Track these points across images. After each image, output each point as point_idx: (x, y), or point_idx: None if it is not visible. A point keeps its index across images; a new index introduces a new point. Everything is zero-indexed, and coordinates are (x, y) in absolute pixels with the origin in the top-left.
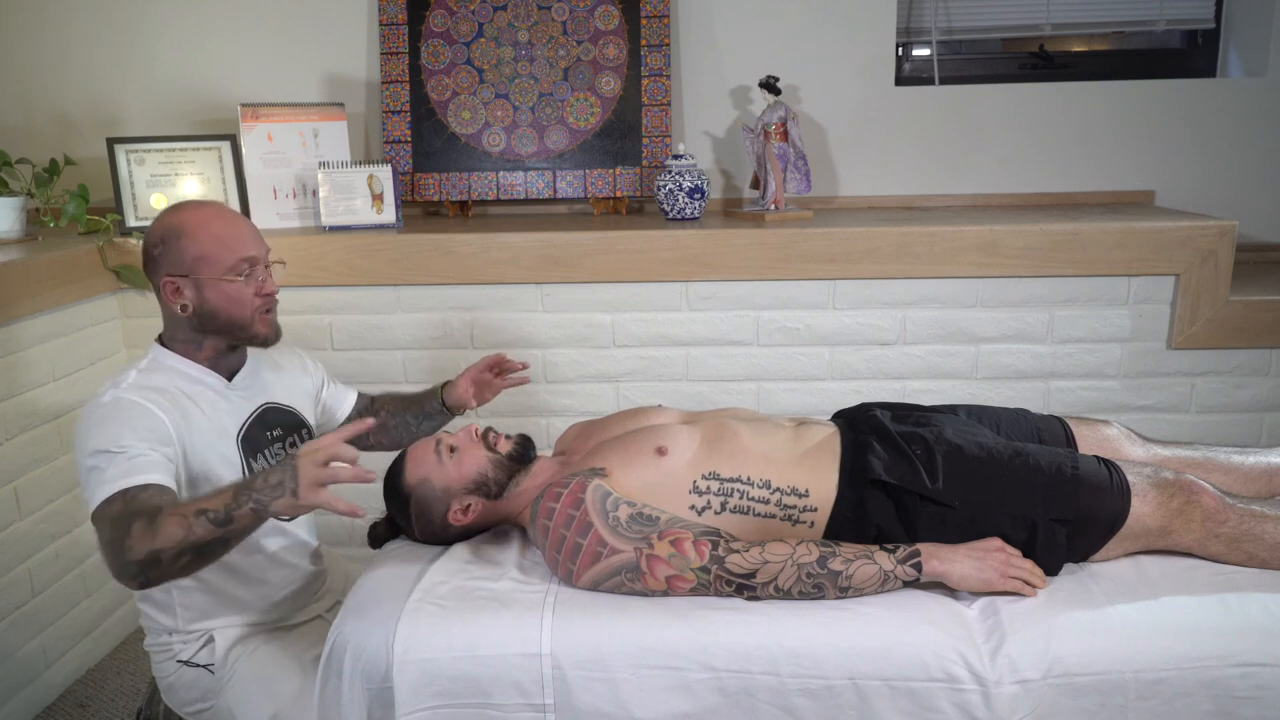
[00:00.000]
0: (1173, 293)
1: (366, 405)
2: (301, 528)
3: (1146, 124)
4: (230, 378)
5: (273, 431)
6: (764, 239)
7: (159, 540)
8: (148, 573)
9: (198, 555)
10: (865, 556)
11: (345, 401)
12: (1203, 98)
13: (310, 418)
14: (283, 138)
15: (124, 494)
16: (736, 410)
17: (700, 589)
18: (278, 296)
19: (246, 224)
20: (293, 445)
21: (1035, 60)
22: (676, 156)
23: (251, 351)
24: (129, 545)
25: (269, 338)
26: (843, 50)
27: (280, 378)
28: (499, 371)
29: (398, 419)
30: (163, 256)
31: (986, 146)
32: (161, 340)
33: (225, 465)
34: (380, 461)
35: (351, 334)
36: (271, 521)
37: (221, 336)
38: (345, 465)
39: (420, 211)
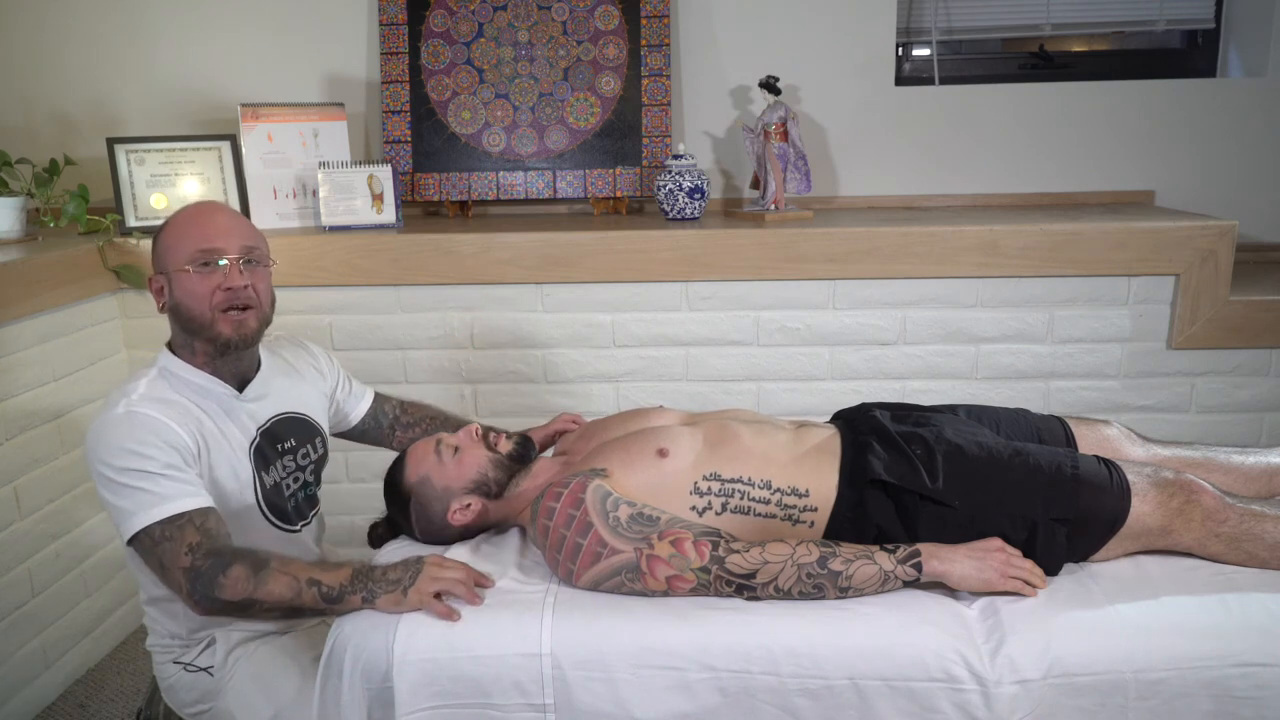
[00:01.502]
0: (1173, 293)
1: (392, 411)
2: (310, 534)
3: (1146, 124)
4: (241, 388)
5: (284, 444)
6: (764, 239)
7: (261, 591)
8: (232, 612)
9: (289, 615)
10: (865, 556)
11: (361, 404)
12: (1203, 98)
13: (324, 424)
14: (283, 138)
15: (190, 520)
16: (737, 411)
17: (700, 589)
18: (252, 295)
19: (226, 220)
20: (304, 457)
21: (1035, 60)
22: (676, 156)
23: (265, 359)
24: (223, 583)
25: (232, 340)
26: (843, 50)
27: (294, 384)
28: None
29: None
30: (152, 255)
31: (986, 146)
32: (170, 346)
33: (235, 481)
34: (382, 464)
35: (351, 334)
36: (280, 534)
37: (196, 338)
38: (461, 580)
39: (420, 211)
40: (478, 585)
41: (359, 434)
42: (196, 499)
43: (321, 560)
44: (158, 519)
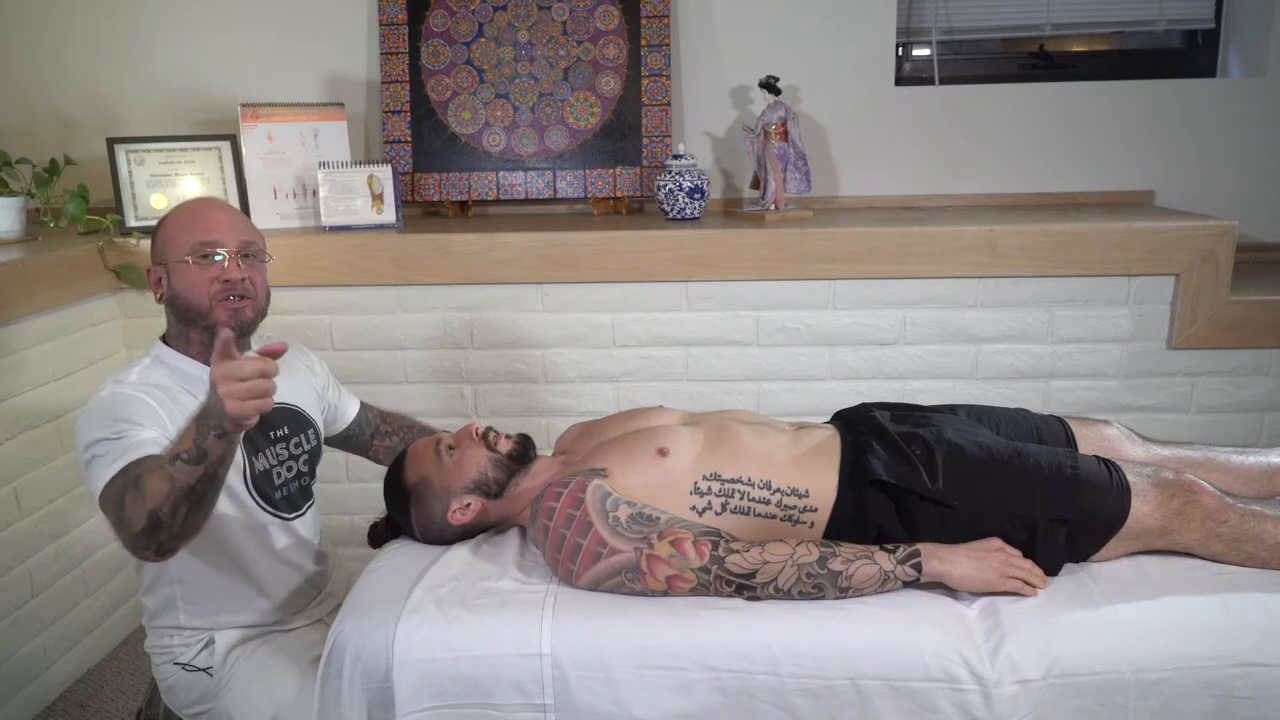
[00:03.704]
0: (1173, 293)
1: (374, 420)
2: (306, 527)
3: (1146, 124)
4: None
5: (276, 431)
6: (764, 239)
7: (150, 501)
8: (156, 537)
9: (193, 502)
10: (865, 557)
11: (349, 409)
12: (1203, 98)
13: (316, 417)
14: (283, 138)
15: (124, 472)
16: (737, 412)
17: (700, 589)
18: (249, 287)
19: (224, 214)
20: (297, 446)
21: (1035, 60)
22: (676, 156)
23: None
24: (128, 519)
25: (228, 327)
26: (843, 50)
27: (285, 377)
28: None
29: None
30: (151, 249)
31: (986, 146)
32: (164, 338)
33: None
34: (381, 464)
35: (351, 334)
36: (271, 519)
37: (192, 328)
38: (249, 364)
39: (420, 211)
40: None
41: (342, 439)
42: (138, 451)
43: (316, 558)
44: (104, 482)
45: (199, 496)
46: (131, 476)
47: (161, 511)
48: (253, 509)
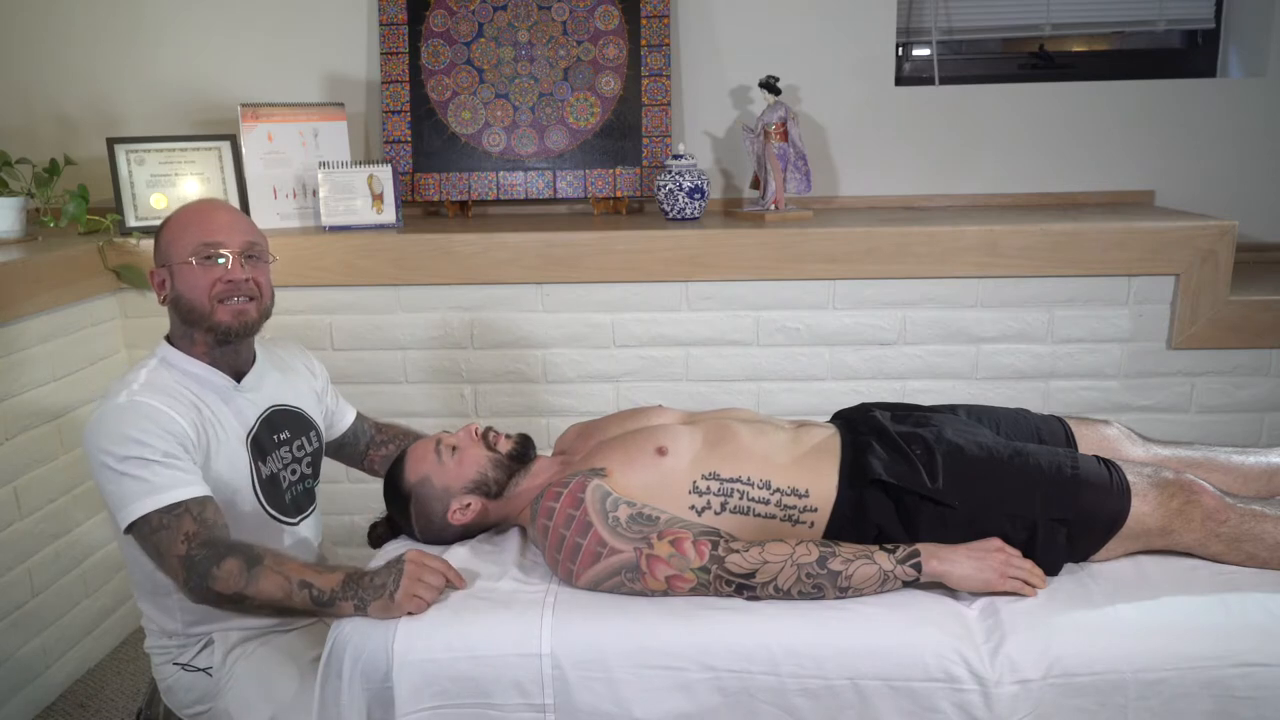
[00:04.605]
0: (1173, 293)
1: (369, 430)
2: (309, 529)
3: (1146, 124)
4: (238, 379)
5: (280, 434)
6: (764, 239)
7: (252, 588)
8: (223, 604)
9: (278, 614)
10: (865, 556)
11: (345, 418)
12: (1203, 98)
13: (318, 419)
14: (283, 138)
15: (187, 510)
16: (737, 411)
17: (700, 589)
18: (253, 288)
19: (227, 215)
20: (300, 449)
21: (1035, 60)
22: (676, 156)
23: (260, 352)
24: (216, 575)
25: (233, 328)
26: (843, 50)
27: (287, 378)
28: None
29: None
30: (154, 250)
31: (986, 146)
32: (169, 338)
33: (233, 470)
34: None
35: (351, 334)
36: (279, 526)
37: (196, 329)
38: (439, 587)
39: (420, 211)
40: (450, 585)
41: (336, 448)
42: (194, 488)
43: (317, 561)
44: (155, 507)
45: (285, 615)
46: (238, 544)
47: (251, 601)
48: (262, 516)
